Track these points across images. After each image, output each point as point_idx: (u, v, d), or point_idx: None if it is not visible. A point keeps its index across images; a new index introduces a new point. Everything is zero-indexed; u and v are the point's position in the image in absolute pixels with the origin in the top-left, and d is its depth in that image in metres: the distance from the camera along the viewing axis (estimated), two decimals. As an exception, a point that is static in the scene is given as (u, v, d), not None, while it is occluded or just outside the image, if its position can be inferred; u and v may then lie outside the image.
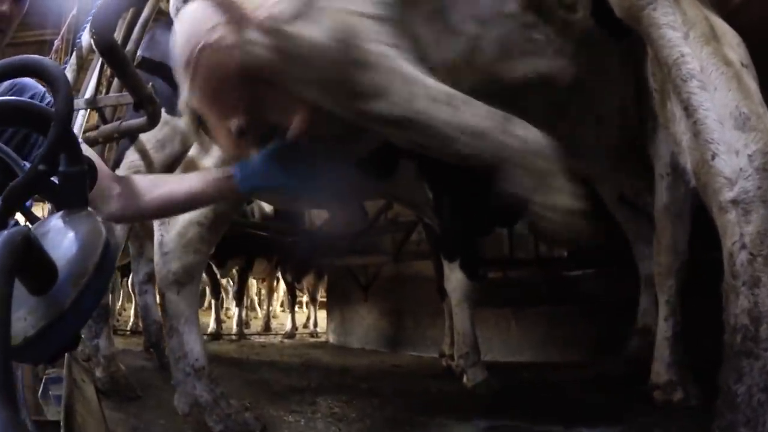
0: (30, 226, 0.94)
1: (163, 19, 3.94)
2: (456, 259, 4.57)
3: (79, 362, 4.03)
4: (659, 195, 3.40)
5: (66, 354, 3.43)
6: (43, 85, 2.27)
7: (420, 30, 2.38)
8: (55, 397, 2.42)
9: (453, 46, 2.52)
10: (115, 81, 3.47)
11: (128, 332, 8.48)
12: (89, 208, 0.99)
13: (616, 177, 3.98)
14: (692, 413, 3.00)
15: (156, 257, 3.23)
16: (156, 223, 3.25)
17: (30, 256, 0.77)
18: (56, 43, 6.84)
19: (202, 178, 2.14)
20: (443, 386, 4.62)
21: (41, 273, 0.83)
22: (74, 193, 0.98)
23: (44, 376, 2.65)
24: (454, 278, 4.58)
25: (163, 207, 2.12)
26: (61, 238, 0.91)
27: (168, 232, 3.19)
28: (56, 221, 0.95)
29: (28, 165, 1.18)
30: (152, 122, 2.59)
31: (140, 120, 2.75)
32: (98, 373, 3.92)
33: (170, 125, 3.81)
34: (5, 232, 0.74)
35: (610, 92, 2.33)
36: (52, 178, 0.96)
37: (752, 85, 2.03)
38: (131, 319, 9.26)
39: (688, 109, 2.03)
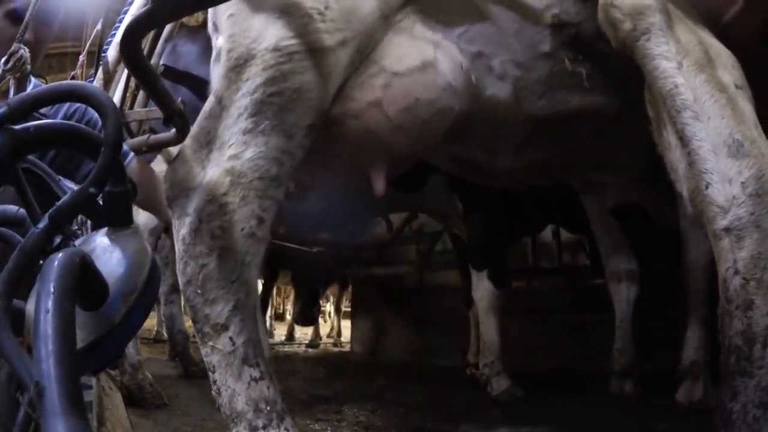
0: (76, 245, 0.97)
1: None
2: (484, 269, 4.59)
3: (107, 371, 4.08)
4: (681, 207, 3.46)
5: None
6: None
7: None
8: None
9: (500, 89, 2.63)
10: (140, 95, 3.51)
11: (151, 340, 8.52)
12: (133, 226, 1.02)
13: (643, 193, 4.00)
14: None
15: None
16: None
17: (85, 276, 0.81)
18: (81, 58, 6.89)
19: None
20: (468, 395, 4.63)
21: (94, 291, 0.87)
22: (119, 211, 1.01)
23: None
24: (482, 287, 4.61)
25: None
26: (109, 256, 0.94)
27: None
28: (101, 239, 0.98)
29: (63, 181, 1.22)
30: (181, 136, 2.62)
31: (169, 134, 2.78)
32: (125, 381, 3.96)
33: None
34: (63, 254, 0.77)
35: (643, 119, 2.34)
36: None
37: (746, 108, 2.05)
38: (154, 328, 9.30)
39: (683, 140, 2.05)
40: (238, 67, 2.13)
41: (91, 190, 0.91)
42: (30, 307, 0.84)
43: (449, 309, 6.43)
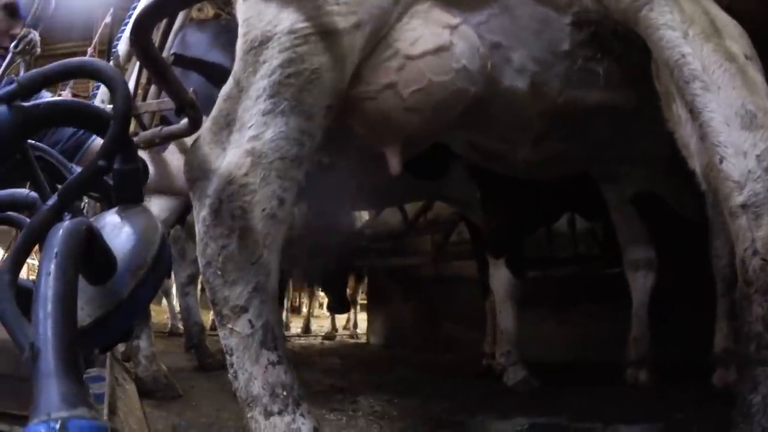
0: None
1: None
2: (502, 257, 4.58)
3: (120, 362, 4.10)
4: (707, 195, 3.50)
5: (107, 353, 3.49)
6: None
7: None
8: (96, 395, 2.46)
9: (518, 82, 2.63)
10: (152, 89, 3.51)
11: (166, 334, 8.55)
12: (144, 204, 1.01)
13: (664, 180, 3.98)
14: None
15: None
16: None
17: (92, 247, 0.80)
18: (89, 51, 6.89)
19: None
20: (484, 385, 4.61)
21: (101, 264, 0.85)
22: (129, 189, 1.00)
23: (84, 376, 2.68)
24: (500, 276, 4.60)
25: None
26: (119, 232, 0.93)
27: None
28: (112, 216, 0.97)
29: (74, 167, 1.22)
30: (194, 127, 2.61)
31: (181, 125, 2.78)
32: (139, 372, 3.96)
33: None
34: (68, 222, 0.76)
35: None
36: (105, 178, 0.98)
37: (758, 78, 1.98)
38: (169, 322, 9.32)
39: (693, 112, 1.97)
40: (254, 50, 2.12)
41: (101, 163, 0.90)
42: None
43: (465, 299, 6.42)
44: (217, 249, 2.00)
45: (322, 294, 14.20)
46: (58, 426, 0.53)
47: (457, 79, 2.46)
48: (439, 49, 2.42)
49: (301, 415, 1.94)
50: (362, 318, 10.42)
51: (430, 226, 6.88)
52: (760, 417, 1.79)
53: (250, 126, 2.06)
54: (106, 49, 3.67)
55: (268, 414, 1.91)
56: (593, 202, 4.54)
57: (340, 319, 11.77)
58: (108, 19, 4.74)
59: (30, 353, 0.63)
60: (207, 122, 2.17)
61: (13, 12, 2.34)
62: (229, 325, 1.98)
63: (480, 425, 3.33)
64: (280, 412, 1.91)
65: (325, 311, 12.00)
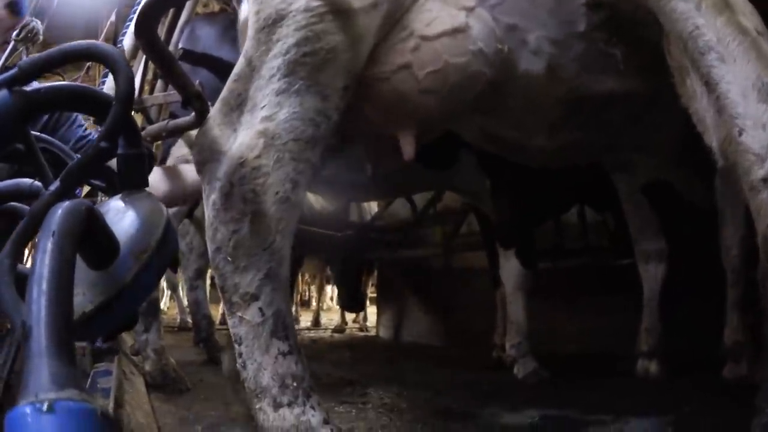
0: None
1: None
2: (512, 247, 4.56)
3: (128, 356, 4.10)
4: (718, 181, 3.60)
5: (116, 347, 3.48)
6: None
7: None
8: (104, 390, 2.45)
9: (535, 65, 2.60)
10: (158, 83, 3.51)
11: (176, 329, 8.55)
12: (147, 189, 0.99)
13: (676, 169, 3.96)
14: (740, 405, 2.98)
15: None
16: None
17: (92, 228, 0.77)
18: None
19: None
20: (494, 377, 4.60)
21: (102, 246, 0.83)
22: (133, 175, 0.98)
23: (92, 371, 2.68)
24: (510, 267, 4.58)
25: (199, 193, 2.17)
26: (122, 216, 0.90)
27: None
28: (116, 202, 0.95)
29: (77, 156, 1.20)
30: (201, 119, 2.61)
31: (188, 118, 2.77)
32: (148, 366, 3.96)
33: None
34: (68, 203, 0.74)
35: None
36: (108, 164, 0.96)
37: None
38: (178, 316, 9.32)
39: (709, 84, 1.92)
40: (267, 28, 2.10)
41: (103, 144, 0.88)
42: None
43: (475, 291, 6.40)
44: (228, 234, 1.98)
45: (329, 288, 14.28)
46: (45, 407, 0.51)
47: (473, 62, 2.45)
48: (456, 31, 2.41)
49: (311, 407, 1.91)
50: (372, 311, 10.40)
51: (440, 217, 6.85)
52: None
53: (263, 106, 2.03)
54: (112, 44, 3.66)
55: (277, 405, 1.89)
56: (603, 193, 4.52)
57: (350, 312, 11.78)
58: (113, 18, 4.74)
59: (21, 332, 0.61)
60: (217, 103, 2.15)
61: (15, 9, 2.35)
62: (239, 313, 1.96)
63: (491, 417, 3.32)
64: (289, 404, 1.89)
65: (335, 305, 12.02)
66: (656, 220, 4.27)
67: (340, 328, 10.01)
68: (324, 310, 12.77)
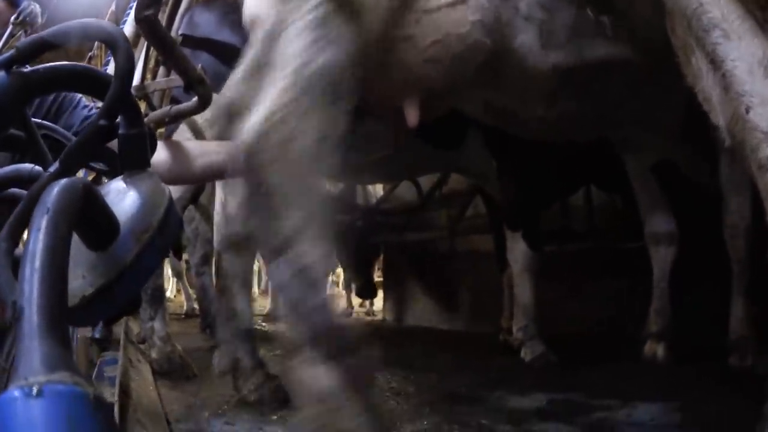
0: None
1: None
2: (519, 229, 4.54)
3: (134, 343, 4.10)
4: (723, 167, 3.56)
5: (121, 336, 3.49)
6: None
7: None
8: (110, 378, 2.45)
9: (528, 33, 2.61)
10: (160, 70, 3.50)
11: (183, 316, 8.55)
12: (150, 170, 0.97)
13: (682, 151, 3.94)
14: (747, 391, 2.97)
15: (217, 217, 3.28)
16: (219, 183, 3.30)
17: (90, 207, 0.75)
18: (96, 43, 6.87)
19: (219, 151, 2.18)
20: (501, 361, 4.60)
21: (102, 226, 0.81)
22: (135, 155, 0.96)
23: (99, 360, 2.69)
24: (517, 249, 4.57)
25: (204, 173, 2.20)
26: (123, 196, 0.88)
27: (234, 195, 3.24)
28: (116, 183, 0.92)
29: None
30: (203, 104, 2.59)
31: (191, 103, 2.75)
32: (154, 354, 3.97)
33: (217, 104, 3.82)
34: (64, 180, 0.72)
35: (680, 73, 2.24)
36: (108, 145, 0.94)
37: None
38: (185, 303, 9.33)
39: (715, 62, 1.87)
40: None
41: (102, 122, 0.86)
42: None
43: (481, 274, 6.39)
44: (261, 179, 1.95)
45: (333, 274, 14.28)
46: (34, 391, 0.49)
47: (473, 32, 2.46)
48: (456, 2, 2.42)
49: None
50: (378, 296, 10.41)
51: (445, 200, 6.83)
52: None
53: (292, 59, 2.02)
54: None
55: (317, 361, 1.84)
56: (611, 173, 4.50)
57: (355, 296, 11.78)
58: (113, 6, 4.73)
59: (12, 312, 0.58)
60: (240, 65, 2.16)
61: (13, 1, 2.35)
62: (276, 261, 1.91)
63: (498, 401, 3.32)
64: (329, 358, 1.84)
65: (339, 289, 12.01)
66: (666, 202, 4.25)
67: (346, 312, 10.02)
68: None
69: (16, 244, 0.78)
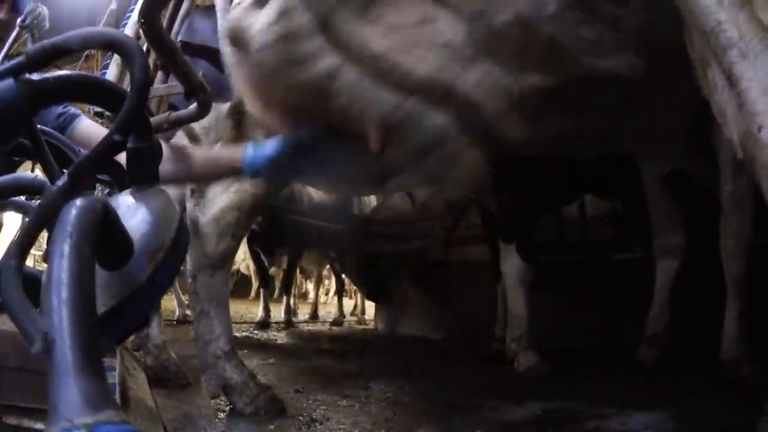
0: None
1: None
2: (513, 241, 4.54)
3: (129, 351, 4.08)
4: (724, 181, 3.47)
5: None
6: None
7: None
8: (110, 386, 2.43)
9: (502, 46, 2.52)
10: (158, 75, 3.48)
11: (175, 322, 8.52)
12: (159, 185, 0.95)
13: (688, 161, 3.93)
14: (742, 400, 2.97)
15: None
16: (189, 204, 3.28)
17: (108, 228, 0.74)
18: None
19: (219, 154, 2.17)
20: (495, 370, 4.59)
21: (117, 246, 0.80)
22: (143, 169, 0.94)
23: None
24: (510, 260, 4.57)
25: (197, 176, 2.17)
26: (134, 214, 0.86)
27: (204, 215, 3.22)
28: (125, 197, 0.91)
29: (81, 151, 1.16)
30: (203, 111, 2.58)
31: (191, 110, 2.74)
32: (149, 361, 3.95)
33: (215, 111, 3.80)
34: (83, 199, 0.70)
35: (679, 83, 2.24)
36: (116, 159, 0.93)
37: None
38: (177, 310, 9.29)
39: (731, 79, 1.86)
40: None
41: (116, 137, 0.84)
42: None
43: (475, 284, 6.38)
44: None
45: (327, 282, 14.27)
46: None
47: (441, 52, 2.42)
48: (423, 22, 2.39)
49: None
50: (369, 304, 10.38)
51: (440, 210, 6.82)
52: None
53: None
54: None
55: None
56: (608, 182, 4.51)
57: (347, 305, 11.76)
58: (113, 5, 4.70)
59: (42, 345, 0.56)
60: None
61: (15, 5, 2.33)
62: None
63: (492, 410, 3.31)
64: None
65: (331, 298, 12.00)
66: (677, 214, 4.25)
67: (338, 321, 10.01)
68: (321, 303, 12.74)
69: (25, 260, 0.76)
